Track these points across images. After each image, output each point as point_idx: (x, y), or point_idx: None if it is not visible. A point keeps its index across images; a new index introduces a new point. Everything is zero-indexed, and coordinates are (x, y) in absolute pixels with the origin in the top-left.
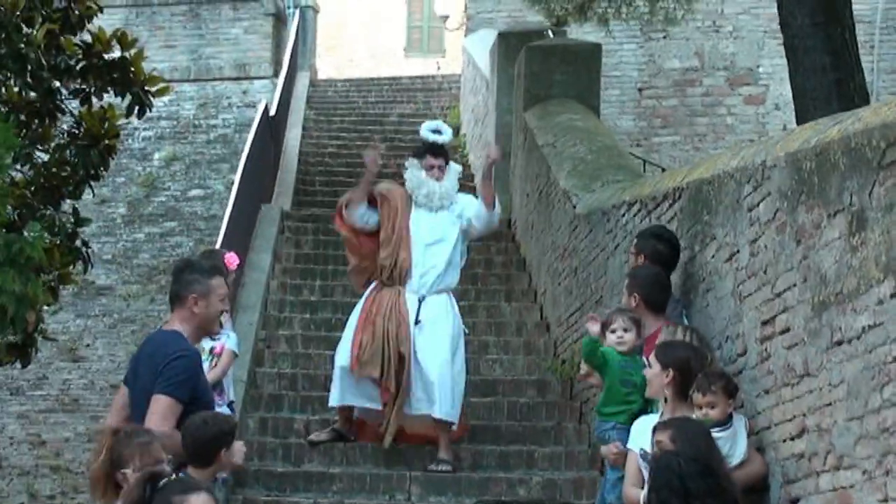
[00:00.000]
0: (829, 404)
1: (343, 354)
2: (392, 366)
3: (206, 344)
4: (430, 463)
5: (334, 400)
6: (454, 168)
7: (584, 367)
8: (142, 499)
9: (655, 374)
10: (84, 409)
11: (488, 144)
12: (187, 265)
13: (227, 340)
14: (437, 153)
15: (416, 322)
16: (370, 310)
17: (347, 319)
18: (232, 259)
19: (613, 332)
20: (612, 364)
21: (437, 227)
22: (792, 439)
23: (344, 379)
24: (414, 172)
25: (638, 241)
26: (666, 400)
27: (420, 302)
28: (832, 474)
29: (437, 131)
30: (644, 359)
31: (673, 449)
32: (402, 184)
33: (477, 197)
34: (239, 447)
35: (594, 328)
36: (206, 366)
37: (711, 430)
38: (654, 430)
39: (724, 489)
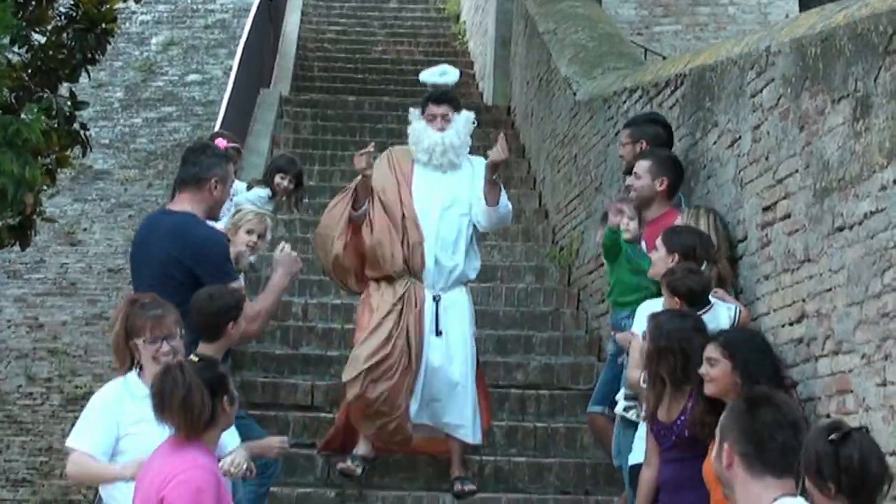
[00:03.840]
0: (830, 290)
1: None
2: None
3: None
4: (449, 484)
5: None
6: (465, 117)
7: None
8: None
9: (661, 258)
10: (81, 292)
11: (496, 137)
12: (205, 148)
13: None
14: (439, 100)
15: (438, 333)
16: (388, 304)
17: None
18: (220, 144)
19: None
20: (622, 254)
21: (449, 191)
22: (791, 324)
23: None
24: (415, 125)
25: (633, 129)
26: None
27: (436, 302)
28: (831, 359)
29: (441, 74)
30: (643, 243)
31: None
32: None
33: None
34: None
35: (614, 218)
36: None
37: None
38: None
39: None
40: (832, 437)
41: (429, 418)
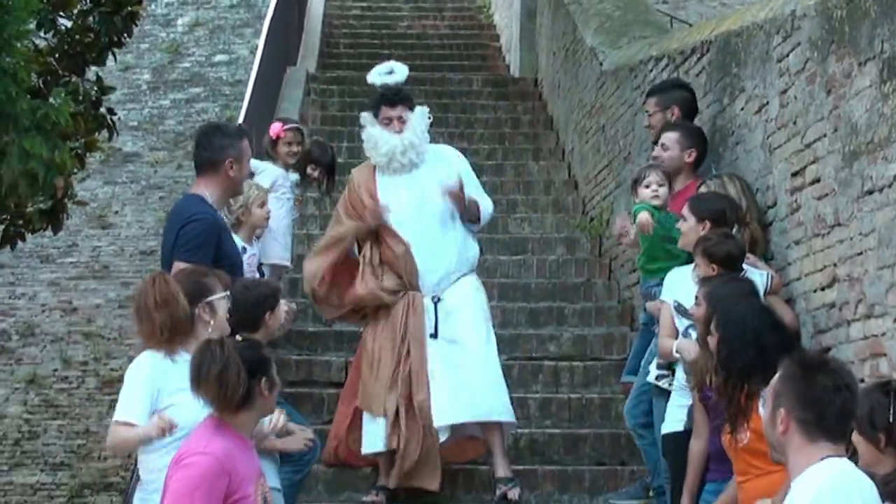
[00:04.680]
0: (860, 253)
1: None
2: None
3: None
4: (490, 492)
5: (370, 446)
6: (419, 112)
7: (617, 224)
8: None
9: (691, 227)
10: (114, 275)
11: (445, 187)
12: (216, 129)
13: None
14: (393, 102)
15: (433, 335)
16: (387, 333)
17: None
18: (273, 129)
19: (647, 186)
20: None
21: (419, 186)
22: (822, 289)
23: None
24: (369, 131)
25: (660, 96)
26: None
27: (436, 304)
28: (863, 323)
29: (388, 73)
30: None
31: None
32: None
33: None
34: (284, 307)
35: (646, 192)
36: None
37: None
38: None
39: (793, 343)
40: (889, 389)
41: (453, 418)
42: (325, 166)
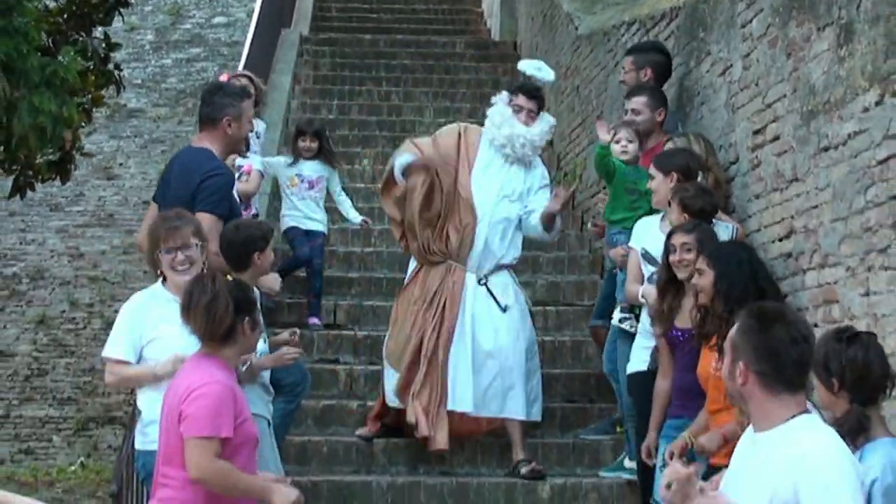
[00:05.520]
0: (816, 207)
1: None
2: (424, 361)
3: (237, 162)
4: (511, 468)
5: (390, 399)
6: (547, 119)
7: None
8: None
9: (660, 182)
10: (118, 223)
11: (557, 188)
12: (219, 88)
13: (254, 161)
14: (531, 95)
15: (503, 310)
16: (416, 296)
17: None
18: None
19: (618, 142)
20: (618, 173)
21: (508, 180)
22: (780, 240)
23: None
24: (500, 108)
25: (637, 56)
26: (670, 204)
27: (484, 285)
28: (817, 272)
29: (538, 70)
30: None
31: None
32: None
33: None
34: (273, 278)
35: (605, 136)
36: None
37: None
38: (671, 235)
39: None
40: (842, 336)
41: (488, 410)
42: (314, 133)
